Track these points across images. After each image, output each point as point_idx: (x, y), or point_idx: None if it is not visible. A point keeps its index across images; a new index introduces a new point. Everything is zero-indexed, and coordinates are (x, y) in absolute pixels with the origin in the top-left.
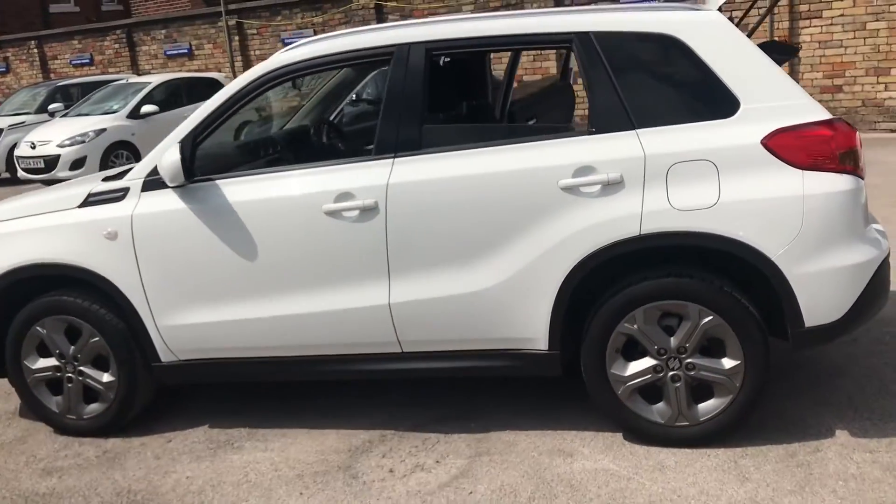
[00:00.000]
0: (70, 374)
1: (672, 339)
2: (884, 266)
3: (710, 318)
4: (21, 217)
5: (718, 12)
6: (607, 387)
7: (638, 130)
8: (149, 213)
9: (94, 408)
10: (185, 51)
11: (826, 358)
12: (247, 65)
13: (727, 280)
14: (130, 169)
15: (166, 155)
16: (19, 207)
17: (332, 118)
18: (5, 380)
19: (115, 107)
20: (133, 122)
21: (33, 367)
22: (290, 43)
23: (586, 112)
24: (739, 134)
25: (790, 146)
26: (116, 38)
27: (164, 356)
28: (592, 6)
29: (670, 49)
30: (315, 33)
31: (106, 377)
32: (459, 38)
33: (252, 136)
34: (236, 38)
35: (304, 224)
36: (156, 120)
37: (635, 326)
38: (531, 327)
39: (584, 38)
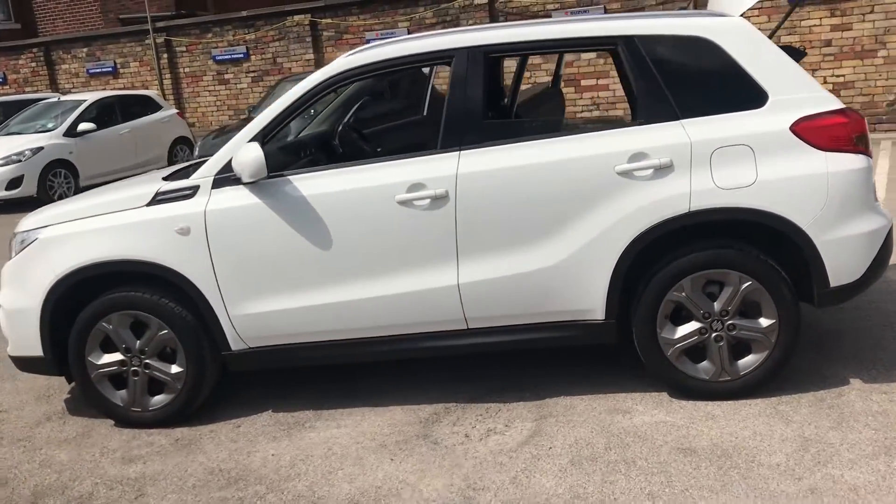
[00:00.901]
0: (136, 368)
1: (715, 303)
2: (891, 233)
3: (749, 283)
4: (84, 217)
5: (742, 18)
6: (658, 350)
7: (682, 120)
8: (222, 209)
9: (159, 399)
10: (110, 69)
11: (820, 324)
12: (176, 82)
13: (762, 250)
14: (189, 166)
15: (245, 152)
16: (80, 209)
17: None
18: (39, 384)
19: (50, 125)
20: (70, 141)
21: (98, 363)
22: (222, 59)
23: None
24: (770, 122)
25: (814, 131)
26: (33, 57)
27: (235, 344)
28: (629, 13)
29: (705, 49)
30: (248, 50)
31: (174, 368)
32: (515, 42)
33: (305, 135)
34: (165, 55)
35: (378, 213)
36: (93, 138)
37: (683, 294)
38: (589, 299)
39: (629, 40)
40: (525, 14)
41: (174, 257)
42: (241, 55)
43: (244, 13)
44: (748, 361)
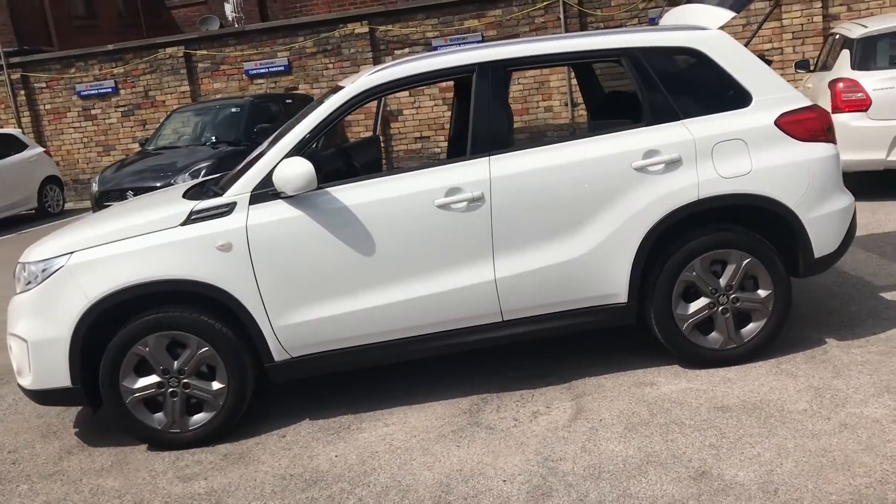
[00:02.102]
0: (174, 389)
1: (721, 279)
2: (855, 209)
3: (749, 259)
4: (115, 241)
5: (721, 31)
6: (674, 326)
7: (684, 121)
8: (263, 223)
9: (199, 418)
10: None
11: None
12: (36, 119)
13: (755, 230)
14: (204, 185)
15: (292, 167)
16: (107, 233)
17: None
18: (33, 424)
19: None
20: None
21: (134, 388)
22: (87, 94)
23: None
24: (757, 118)
25: (794, 125)
26: None
27: (278, 355)
28: (629, 28)
29: (696, 59)
30: (117, 84)
31: (215, 385)
32: (531, 56)
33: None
34: (22, 92)
35: (418, 218)
36: None
37: (694, 273)
38: (613, 284)
39: (632, 52)
40: (406, 42)
41: (216, 274)
42: (110, 89)
43: (110, 46)
44: (750, 329)
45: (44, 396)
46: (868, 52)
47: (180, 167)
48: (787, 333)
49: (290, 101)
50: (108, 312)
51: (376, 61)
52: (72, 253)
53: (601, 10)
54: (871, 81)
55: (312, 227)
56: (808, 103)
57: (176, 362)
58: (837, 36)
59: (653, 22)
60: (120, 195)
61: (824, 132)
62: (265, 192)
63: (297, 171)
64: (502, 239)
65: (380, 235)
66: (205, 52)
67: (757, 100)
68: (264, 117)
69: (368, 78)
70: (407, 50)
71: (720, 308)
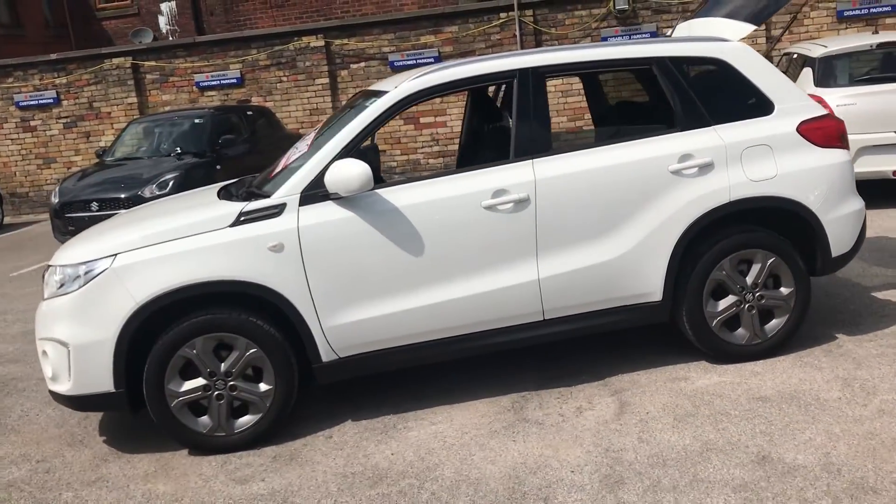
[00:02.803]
0: (220, 391)
1: (747, 278)
2: (865, 213)
3: (773, 258)
4: (162, 242)
5: (742, 42)
6: (704, 322)
7: (714, 126)
8: (315, 224)
9: (245, 420)
10: None
11: None
12: None
13: (778, 231)
14: (232, 186)
15: (348, 168)
16: (151, 234)
17: None
18: (52, 433)
19: None
20: None
21: (179, 391)
22: (27, 105)
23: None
24: (780, 125)
25: (813, 132)
26: None
27: (326, 356)
28: (657, 39)
29: (721, 68)
30: (58, 94)
31: (262, 387)
32: (568, 63)
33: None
34: None
35: (465, 219)
36: None
37: (724, 272)
38: (649, 283)
39: (662, 61)
40: (362, 57)
41: (267, 275)
42: (51, 100)
43: (53, 56)
44: (773, 325)
45: (83, 402)
46: (829, 70)
47: (147, 178)
48: (800, 330)
49: (250, 112)
50: (154, 315)
51: (332, 75)
52: (116, 255)
53: (556, 28)
54: (835, 98)
55: (363, 229)
56: (823, 112)
57: (223, 364)
58: (796, 55)
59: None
60: (84, 206)
61: (839, 139)
62: (315, 193)
63: (355, 172)
64: (546, 239)
65: (428, 236)
66: (153, 63)
67: (779, 108)
68: (227, 128)
69: (413, 82)
70: (363, 64)
71: (746, 305)
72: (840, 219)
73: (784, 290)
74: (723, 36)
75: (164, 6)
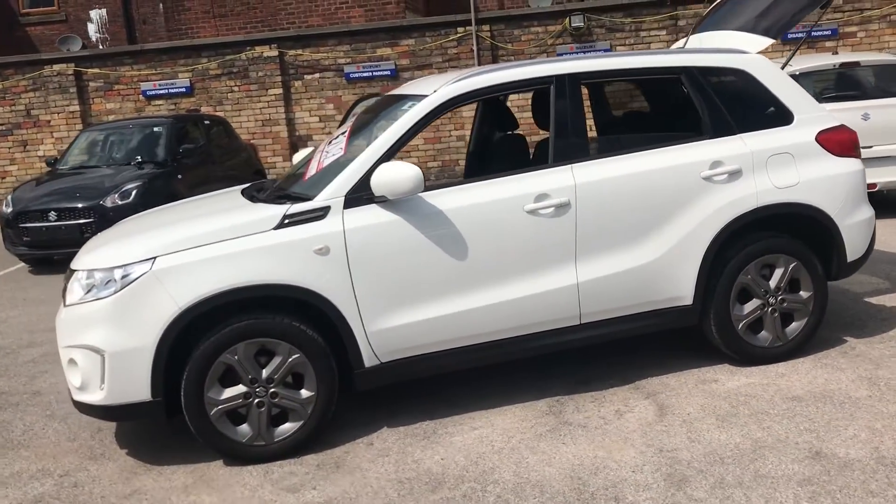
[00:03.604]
0: (261, 399)
1: (770, 282)
2: (875, 220)
3: (794, 263)
4: (204, 245)
5: (760, 54)
6: (731, 325)
7: (741, 135)
8: (361, 227)
9: (286, 428)
10: None
11: None
12: None
13: (797, 236)
14: (253, 188)
15: (398, 171)
16: (192, 237)
17: None
18: (65, 448)
19: None
20: None
21: (219, 399)
22: None
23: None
24: (801, 134)
25: (830, 141)
26: None
27: (369, 361)
28: (681, 49)
29: (743, 79)
30: None
31: (304, 393)
32: (602, 70)
33: None
34: None
35: (508, 222)
36: None
37: (749, 277)
38: (681, 287)
39: (690, 71)
40: (316, 67)
41: (313, 279)
42: None
43: None
44: (793, 328)
45: (116, 412)
46: None
47: (108, 187)
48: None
49: (207, 122)
50: (195, 321)
51: (286, 86)
52: (155, 258)
53: (512, 44)
54: None
55: (407, 232)
56: (838, 122)
57: (264, 371)
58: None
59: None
60: (40, 216)
61: (853, 148)
62: (359, 196)
63: (406, 175)
64: (585, 244)
65: (472, 240)
66: (97, 70)
67: (798, 118)
68: (187, 138)
69: (453, 86)
70: (318, 75)
71: (769, 309)
72: (855, 225)
73: (804, 294)
74: (742, 48)
75: (93, 13)
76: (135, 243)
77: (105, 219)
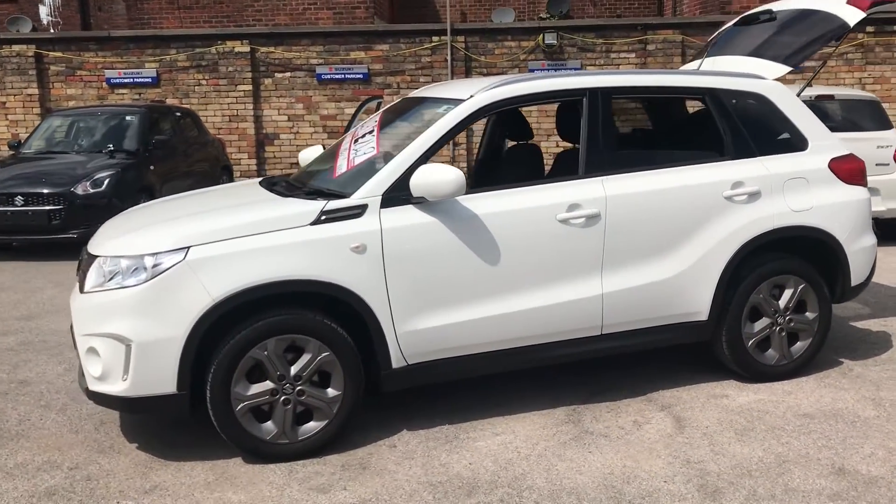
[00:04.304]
0: (287, 396)
1: (779, 302)
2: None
3: (803, 285)
4: (239, 237)
5: (777, 81)
6: (742, 343)
7: (760, 157)
8: (398, 227)
9: (310, 427)
10: None
11: None
12: None
13: (806, 259)
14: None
15: (439, 173)
16: (227, 227)
17: None
18: (67, 440)
19: None
20: None
21: (246, 395)
22: None
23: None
24: (815, 160)
25: (841, 169)
26: None
27: (396, 363)
28: (704, 71)
29: (763, 103)
30: None
31: (330, 392)
32: (632, 86)
33: None
34: None
35: (541, 230)
36: None
37: (761, 296)
38: (698, 303)
39: (714, 92)
40: (288, 66)
41: (347, 276)
42: None
43: None
44: (798, 347)
45: (139, 404)
46: None
47: (80, 175)
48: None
49: (178, 113)
50: (228, 314)
51: (255, 83)
52: (188, 248)
53: (485, 56)
54: None
55: (443, 234)
56: (847, 151)
57: (293, 367)
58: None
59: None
60: (6, 200)
61: (862, 177)
62: (396, 196)
63: (448, 177)
64: (611, 255)
65: (505, 245)
66: (60, 54)
67: (812, 144)
68: (159, 128)
69: (490, 93)
70: (288, 74)
71: (777, 328)
72: (860, 251)
73: (810, 315)
74: (760, 74)
75: None
76: (165, 231)
77: (75, 207)
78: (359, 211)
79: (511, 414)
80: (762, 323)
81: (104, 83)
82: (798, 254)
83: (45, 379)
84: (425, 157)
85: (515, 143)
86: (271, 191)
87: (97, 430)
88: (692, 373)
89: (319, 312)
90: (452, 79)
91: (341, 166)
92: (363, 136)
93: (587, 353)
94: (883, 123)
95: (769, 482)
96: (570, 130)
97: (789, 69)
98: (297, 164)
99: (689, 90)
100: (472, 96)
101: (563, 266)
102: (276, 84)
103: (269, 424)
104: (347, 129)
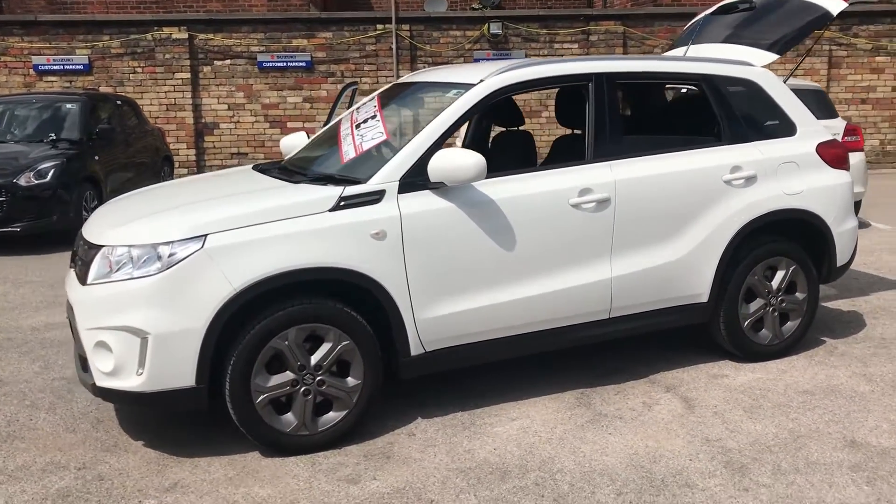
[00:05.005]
0: (307, 387)
1: (772, 283)
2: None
3: (794, 266)
4: (258, 224)
5: (765, 68)
6: (738, 324)
7: (755, 143)
8: (417, 213)
9: (330, 417)
10: None
11: None
12: None
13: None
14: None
15: (460, 157)
16: (244, 215)
17: None
18: (65, 441)
19: None
20: None
21: (267, 386)
22: None
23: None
24: (803, 145)
25: (827, 153)
26: None
27: (415, 350)
28: (697, 58)
29: (753, 90)
30: None
31: (350, 381)
32: (635, 72)
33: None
34: None
35: (554, 215)
36: None
37: (756, 278)
38: (700, 285)
39: (710, 78)
40: (227, 54)
41: (367, 263)
42: None
43: None
44: (788, 327)
45: (155, 399)
46: None
47: (23, 165)
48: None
49: (119, 102)
50: (248, 303)
51: (194, 70)
52: (206, 235)
53: (430, 45)
54: None
55: (460, 219)
56: (830, 136)
57: (313, 357)
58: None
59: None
60: None
61: (845, 161)
62: (413, 181)
63: (469, 162)
64: (620, 239)
65: (520, 230)
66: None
67: (800, 130)
68: (101, 117)
69: (501, 77)
70: (228, 61)
71: (771, 308)
72: (845, 232)
73: (799, 295)
74: (748, 61)
75: None
76: (178, 219)
77: (18, 198)
78: (377, 197)
79: (522, 399)
80: (756, 304)
81: (31, 70)
82: (787, 236)
83: (22, 378)
84: (440, 142)
85: (503, 129)
86: (273, 177)
87: (95, 428)
88: (688, 354)
89: (341, 300)
90: (398, 68)
91: (348, 152)
92: (365, 121)
93: (596, 337)
94: (829, 112)
95: (790, 456)
96: (573, 116)
97: (777, 57)
98: (238, 154)
99: (689, 76)
100: (482, 80)
101: (575, 250)
102: (215, 72)
103: (288, 416)
104: (330, 116)
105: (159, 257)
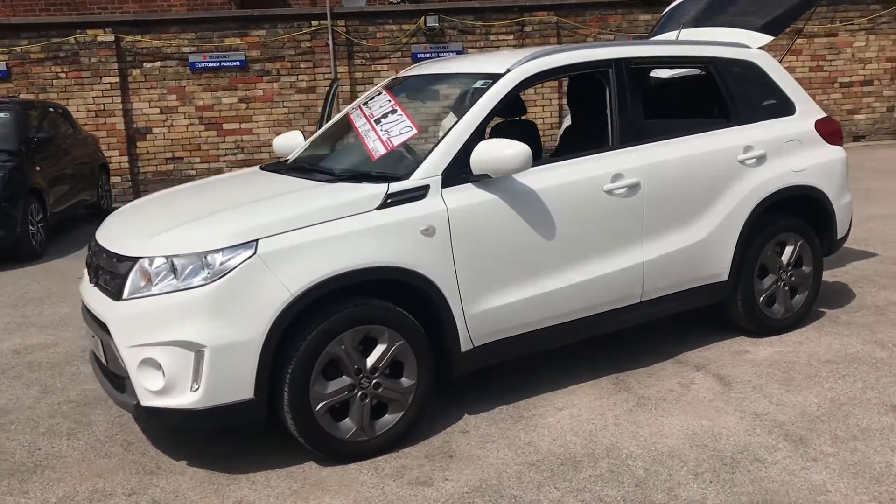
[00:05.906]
0: (364, 391)
1: (782, 258)
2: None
3: (801, 241)
4: (305, 227)
5: (762, 49)
6: (754, 299)
7: (761, 122)
8: (462, 207)
9: (386, 420)
10: None
11: None
12: None
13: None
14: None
15: (503, 148)
16: (291, 218)
17: None
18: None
19: None
20: None
21: (326, 393)
22: None
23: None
24: (804, 124)
25: (824, 130)
26: None
27: (465, 345)
28: (702, 41)
29: (753, 71)
30: None
31: (405, 382)
32: (652, 56)
33: None
34: None
35: (591, 202)
36: None
37: (768, 254)
38: (721, 264)
39: (717, 61)
40: (157, 56)
41: (418, 260)
42: None
43: None
44: (797, 300)
45: (213, 415)
46: None
47: None
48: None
49: (52, 109)
50: (305, 309)
51: (122, 74)
52: (256, 240)
53: (367, 40)
54: None
55: (503, 211)
56: (825, 114)
57: (368, 360)
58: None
59: (415, 58)
60: None
61: (840, 137)
62: (455, 174)
63: (513, 152)
64: (650, 222)
65: (561, 218)
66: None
67: (799, 109)
68: (35, 125)
69: (528, 65)
70: (159, 63)
71: (782, 283)
72: (843, 206)
73: (806, 269)
74: (743, 43)
75: None
76: (223, 225)
77: None
78: (422, 192)
79: (560, 388)
80: (769, 279)
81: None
82: (794, 212)
83: (25, 405)
84: (478, 134)
85: (504, 119)
86: (297, 178)
87: (128, 451)
88: (701, 334)
89: (392, 300)
90: (335, 63)
91: (377, 148)
92: (385, 115)
93: (629, 321)
94: None
95: (842, 424)
96: (592, 102)
97: (772, 38)
98: (174, 159)
99: (698, 59)
100: (509, 70)
101: (610, 236)
102: (145, 75)
103: (346, 422)
104: (323, 114)
105: (208, 266)
